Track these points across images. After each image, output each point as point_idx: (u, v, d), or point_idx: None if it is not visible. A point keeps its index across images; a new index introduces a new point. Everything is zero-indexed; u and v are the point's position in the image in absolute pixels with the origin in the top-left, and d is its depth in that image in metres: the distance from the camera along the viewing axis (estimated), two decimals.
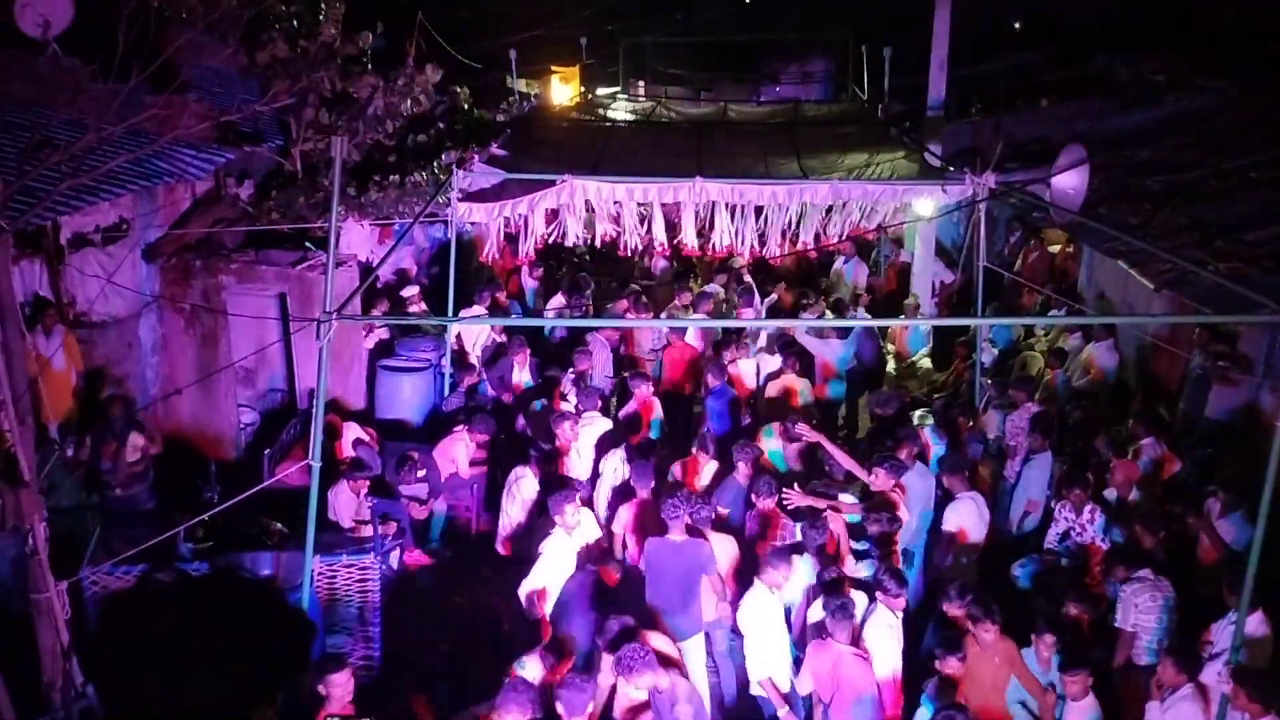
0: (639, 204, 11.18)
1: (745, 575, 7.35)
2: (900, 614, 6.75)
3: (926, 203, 11.67)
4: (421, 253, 14.86)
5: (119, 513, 8.34)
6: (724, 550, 7.54)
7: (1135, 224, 11.06)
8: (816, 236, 11.68)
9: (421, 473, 8.96)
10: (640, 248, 12.11)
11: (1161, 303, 10.23)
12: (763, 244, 11.56)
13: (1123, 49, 18.08)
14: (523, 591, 7.37)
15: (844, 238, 12.42)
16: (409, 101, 11.44)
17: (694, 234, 11.35)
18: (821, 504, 7.77)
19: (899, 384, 13.04)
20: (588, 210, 11.12)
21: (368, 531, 8.09)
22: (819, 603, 6.80)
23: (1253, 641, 6.35)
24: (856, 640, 6.48)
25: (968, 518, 7.97)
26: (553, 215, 11.30)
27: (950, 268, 15.37)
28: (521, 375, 10.75)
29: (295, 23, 10.59)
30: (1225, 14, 17.41)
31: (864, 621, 6.67)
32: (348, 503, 8.45)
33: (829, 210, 11.33)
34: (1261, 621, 6.48)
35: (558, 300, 12.99)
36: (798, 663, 6.86)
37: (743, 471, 8.23)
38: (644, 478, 8.09)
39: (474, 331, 11.75)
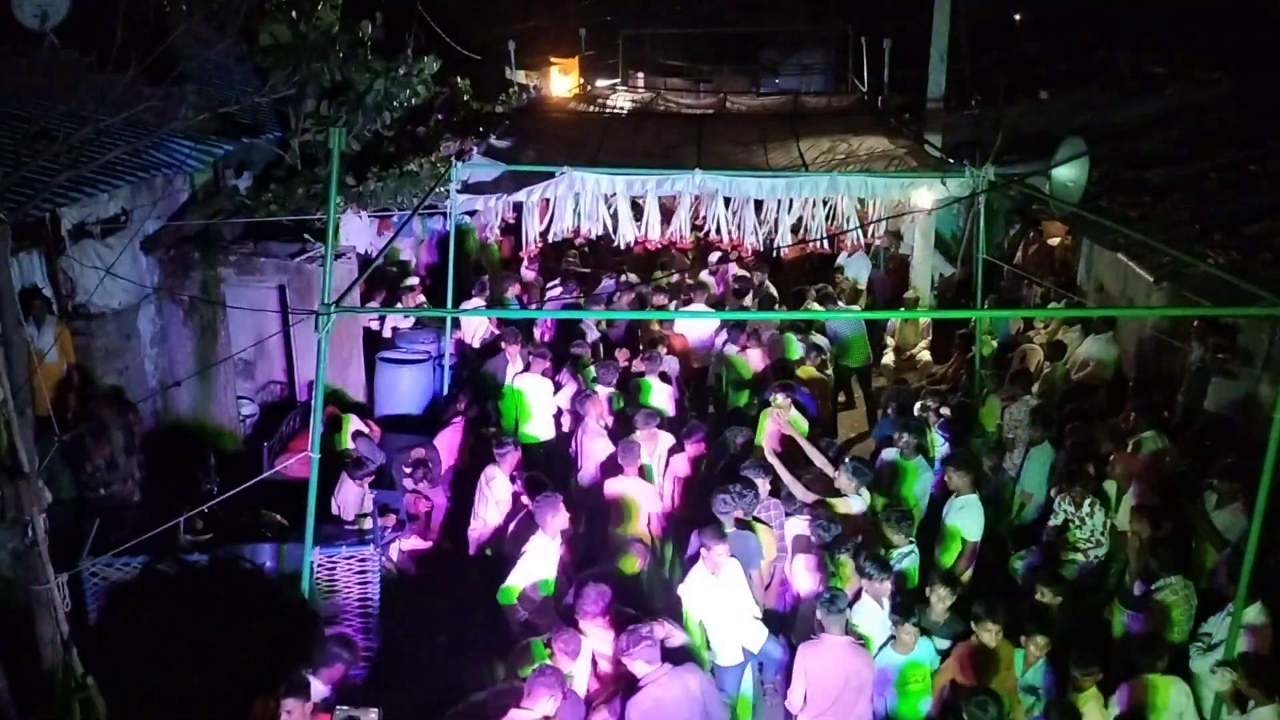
0: (636, 196, 11.14)
1: None
2: (886, 600, 6.76)
3: (926, 195, 11.65)
4: (420, 244, 14.85)
5: (105, 509, 8.31)
6: (768, 541, 7.63)
7: (1135, 217, 11.04)
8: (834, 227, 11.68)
9: (431, 470, 8.95)
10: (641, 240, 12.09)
11: (1161, 295, 10.22)
12: (761, 237, 11.54)
13: (1123, 42, 18.05)
14: (505, 599, 7.30)
15: (848, 231, 12.41)
16: (407, 92, 11.41)
17: (689, 226, 11.33)
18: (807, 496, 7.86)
19: (898, 376, 13.05)
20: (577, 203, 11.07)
21: (368, 524, 8.09)
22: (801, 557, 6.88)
23: (1252, 629, 6.37)
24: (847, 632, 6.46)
25: (968, 517, 7.95)
26: (549, 207, 11.27)
27: (949, 261, 15.37)
28: (515, 369, 10.67)
29: (294, 12, 10.54)
30: (1225, 7, 17.38)
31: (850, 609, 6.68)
32: (353, 500, 8.38)
33: (828, 204, 11.30)
34: (1260, 612, 6.49)
35: (555, 292, 12.98)
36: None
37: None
38: (629, 455, 8.19)
39: (474, 324, 11.75)
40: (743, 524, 7.45)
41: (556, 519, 7.29)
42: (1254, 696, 5.81)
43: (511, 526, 7.91)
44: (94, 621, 5.30)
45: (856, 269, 14.93)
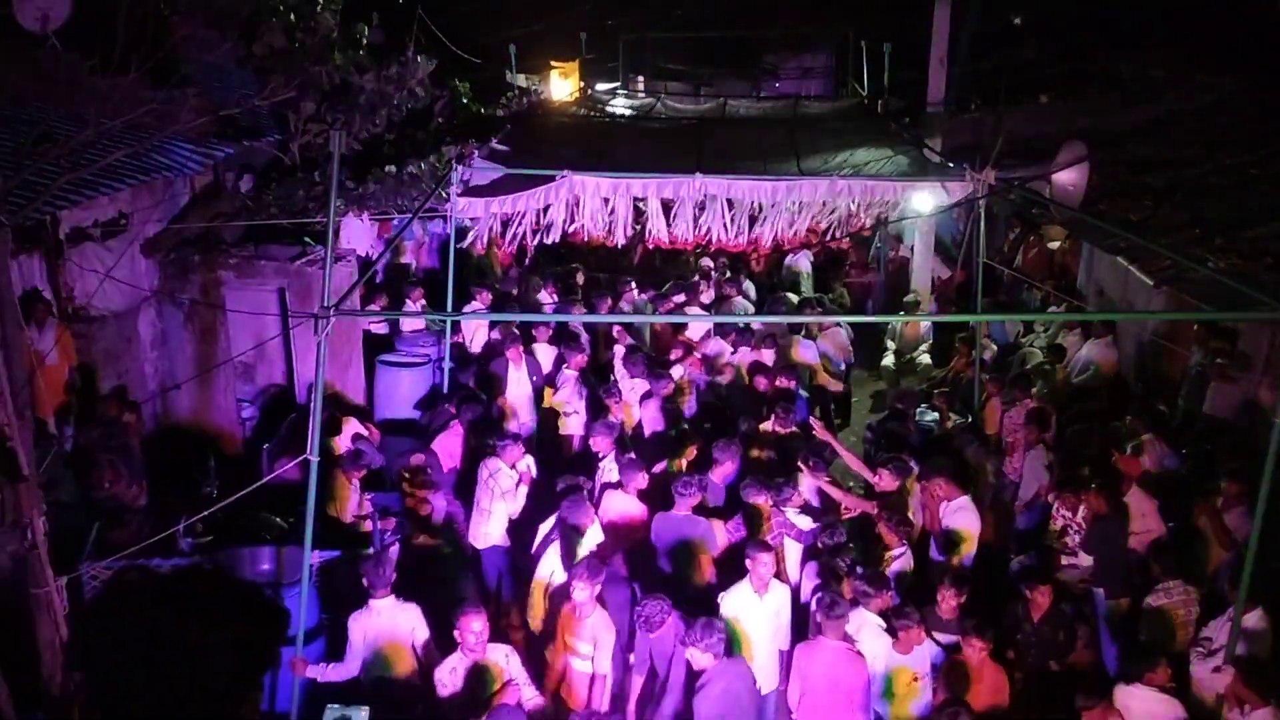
0: (636, 199, 11.11)
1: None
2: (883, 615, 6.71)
3: (926, 199, 11.66)
4: (420, 247, 14.85)
5: (108, 510, 8.33)
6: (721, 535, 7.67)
7: (1135, 221, 11.06)
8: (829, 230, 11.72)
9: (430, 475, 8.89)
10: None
11: (1161, 299, 10.22)
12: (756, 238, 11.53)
13: (1123, 45, 18.06)
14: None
15: (843, 234, 12.45)
16: (404, 92, 11.40)
17: (690, 228, 11.31)
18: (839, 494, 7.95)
19: (898, 380, 13.06)
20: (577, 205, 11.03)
21: (367, 526, 8.08)
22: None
23: (1251, 635, 6.36)
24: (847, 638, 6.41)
25: (963, 520, 7.94)
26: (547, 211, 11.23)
27: (948, 264, 15.36)
28: (518, 374, 10.58)
29: (292, 15, 10.56)
30: (1226, 10, 17.38)
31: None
32: (348, 498, 8.38)
33: (826, 205, 11.29)
34: (1260, 617, 6.48)
35: (546, 295, 12.98)
36: None
37: (728, 467, 8.24)
38: (630, 472, 8.12)
39: (473, 327, 11.74)
40: (700, 510, 7.63)
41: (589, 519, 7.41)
42: (1249, 699, 5.80)
43: (543, 537, 7.83)
44: (78, 624, 5.28)
45: (801, 265, 15.15)
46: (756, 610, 6.74)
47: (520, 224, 10.97)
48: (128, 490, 8.35)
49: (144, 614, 1.43)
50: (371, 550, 7.58)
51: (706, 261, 14.26)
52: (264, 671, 1.49)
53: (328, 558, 7.39)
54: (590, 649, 6.51)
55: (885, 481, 7.99)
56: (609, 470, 8.38)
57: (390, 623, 6.35)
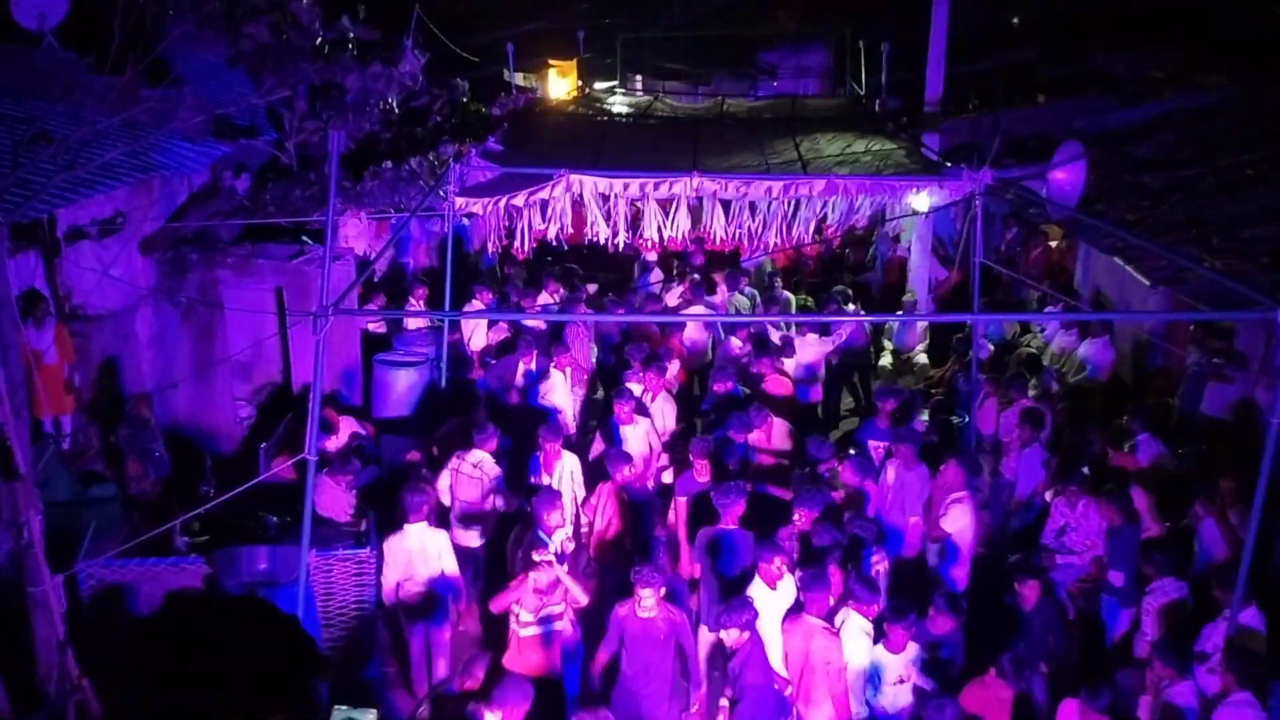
0: (634, 199, 11.09)
1: None
2: (872, 621, 6.69)
3: (923, 198, 11.66)
4: (418, 246, 14.83)
5: (142, 505, 8.39)
6: None
7: (1132, 221, 11.07)
8: (817, 229, 11.67)
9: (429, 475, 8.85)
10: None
11: (1158, 299, 10.24)
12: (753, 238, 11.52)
13: (1120, 45, 18.10)
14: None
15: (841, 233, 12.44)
16: (395, 88, 11.36)
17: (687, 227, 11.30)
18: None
19: (894, 379, 13.06)
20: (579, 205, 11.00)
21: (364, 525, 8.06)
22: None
23: (1245, 632, 6.36)
24: (830, 618, 6.48)
25: (961, 519, 7.93)
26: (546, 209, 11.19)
27: (945, 264, 15.37)
28: (525, 368, 10.48)
29: (277, 12, 10.53)
30: (1224, 11, 17.42)
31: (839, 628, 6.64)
32: (332, 499, 8.13)
33: (828, 205, 11.27)
34: (1255, 616, 6.49)
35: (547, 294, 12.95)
36: None
37: (701, 468, 8.20)
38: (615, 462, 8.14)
39: (471, 326, 11.72)
40: (745, 523, 7.52)
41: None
42: (1228, 685, 5.83)
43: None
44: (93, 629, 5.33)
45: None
46: (772, 603, 6.75)
47: (520, 224, 10.95)
48: (152, 490, 8.44)
49: (174, 640, 1.46)
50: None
51: (650, 257, 14.05)
52: (275, 705, 1.49)
53: (327, 556, 7.41)
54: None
55: (847, 476, 8.03)
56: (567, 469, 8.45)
57: (420, 545, 7.14)
